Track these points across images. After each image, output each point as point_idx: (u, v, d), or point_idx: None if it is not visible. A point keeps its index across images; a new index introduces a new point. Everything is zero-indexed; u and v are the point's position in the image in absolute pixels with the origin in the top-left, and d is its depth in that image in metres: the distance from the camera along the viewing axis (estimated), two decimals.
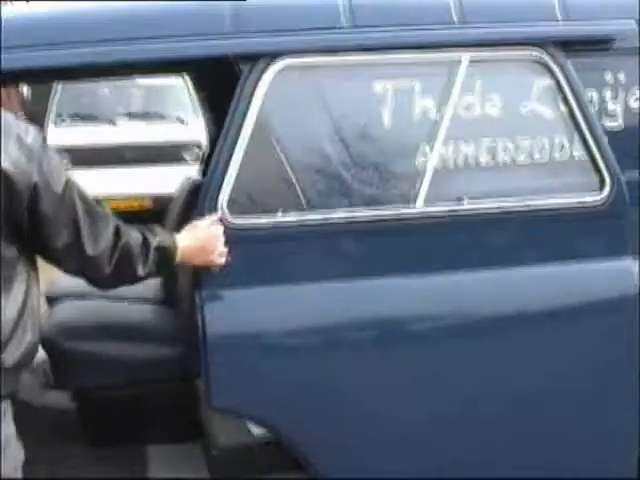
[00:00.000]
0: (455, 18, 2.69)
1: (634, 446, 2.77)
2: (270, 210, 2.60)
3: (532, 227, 2.74)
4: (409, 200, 2.66)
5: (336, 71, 2.65)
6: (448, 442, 2.70)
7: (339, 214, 2.62)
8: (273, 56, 2.57)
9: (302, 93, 2.64)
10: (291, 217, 2.61)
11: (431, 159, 2.66)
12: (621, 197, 2.76)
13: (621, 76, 2.79)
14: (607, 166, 2.74)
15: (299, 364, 2.60)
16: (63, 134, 8.33)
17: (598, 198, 2.76)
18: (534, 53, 2.71)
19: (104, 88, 9.18)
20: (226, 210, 2.54)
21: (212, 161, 2.59)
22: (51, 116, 8.71)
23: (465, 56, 2.67)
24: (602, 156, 2.74)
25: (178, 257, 2.39)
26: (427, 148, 2.67)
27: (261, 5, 2.67)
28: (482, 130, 2.71)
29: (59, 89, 8.71)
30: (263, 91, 2.57)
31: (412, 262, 2.65)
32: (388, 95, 2.65)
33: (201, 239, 2.45)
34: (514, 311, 2.73)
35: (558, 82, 2.72)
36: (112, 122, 9.01)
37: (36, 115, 8.22)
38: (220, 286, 2.52)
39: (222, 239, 2.48)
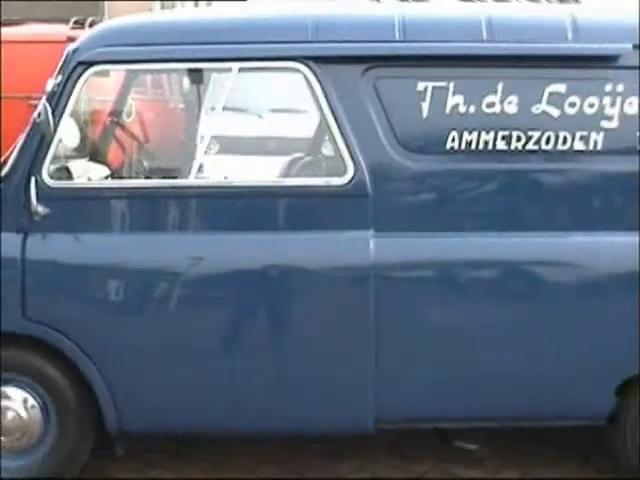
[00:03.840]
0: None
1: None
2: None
3: (287, 202, 3.53)
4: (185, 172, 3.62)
5: None
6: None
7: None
8: None
9: None
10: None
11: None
12: (362, 181, 3.45)
13: None
14: (351, 156, 3.47)
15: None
16: (213, 123, 9.32)
17: (342, 181, 3.48)
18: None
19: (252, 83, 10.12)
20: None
21: None
22: (204, 107, 9.73)
23: None
24: (348, 150, 3.47)
25: None
26: None
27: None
28: None
29: (212, 83, 9.75)
30: None
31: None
32: None
33: None
34: (259, 267, 3.52)
35: (314, 92, 3.49)
36: (258, 115, 9.98)
37: (191, 105, 9.27)
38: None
39: None
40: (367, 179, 3.48)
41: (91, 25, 11.42)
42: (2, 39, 11.47)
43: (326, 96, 3.50)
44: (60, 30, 11.31)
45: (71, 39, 10.68)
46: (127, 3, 22.56)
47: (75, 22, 11.54)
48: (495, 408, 3.59)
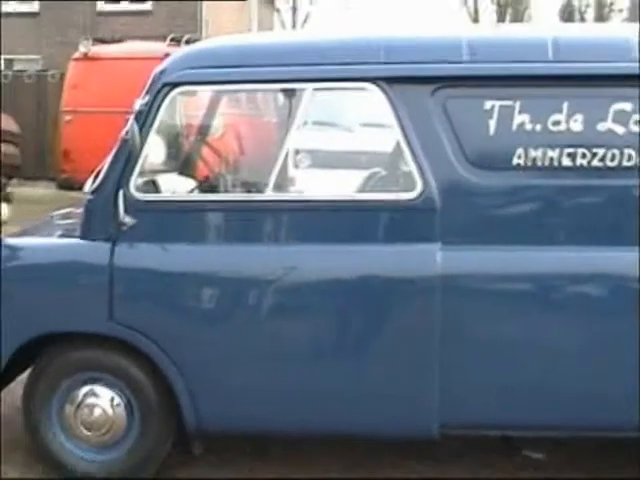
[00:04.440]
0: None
1: None
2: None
3: (364, 215, 3.68)
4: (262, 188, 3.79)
5: None
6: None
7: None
8: None
9: None
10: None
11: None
12: (430, 196, 3.60)
13: None
14: (420, 172, 3.61)
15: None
16: (302, 138, 9.59)
17: (411, 196, 3.64)
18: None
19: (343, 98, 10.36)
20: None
21: None
22: (293, 122, 10.01)
23: None
24: (417, 166, 3.62)
25: None
26: None
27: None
28: None
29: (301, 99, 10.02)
30: None
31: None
32: None
33: None
34: (337, 277, 3.71)
35: (386, 111, 3.65)
36: (349, 130, 10.20)
37: (280, 119, 9.54)
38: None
39: None
40: (435, 194, 3.63)
41: (187, 42, 11.88)
42: (104, 56, 12.05)
43: (397, 115, 3.66)
44: (158, 47, 11.79)
45: (168, 55, 11.22)
46: (225, 21, 23.18)
47: (172, 39, 12.02)
48: (561, 417, 3.67)
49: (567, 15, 29.56)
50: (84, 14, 21.76)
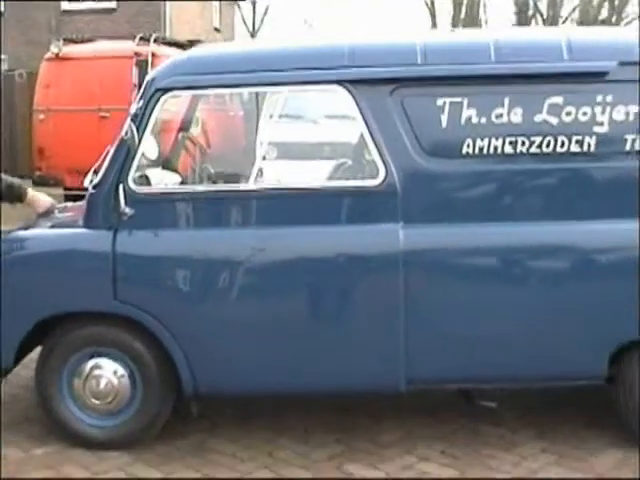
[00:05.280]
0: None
1: None
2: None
3: (332, 200, 4.23)
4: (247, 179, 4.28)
5: None
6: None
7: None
8: None
9: None
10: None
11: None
12: (392, 182, 4.13)
13: None
14: (383, 161, 4.16)
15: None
16: (271, 130, 10.08)
17: (375, 182, 4.18)
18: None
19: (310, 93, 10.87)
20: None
21: None
22: (262, 114, 10.50)
23: None
24: (380, 156, 4.16)
25: (25, 198, 4.71)
26: None
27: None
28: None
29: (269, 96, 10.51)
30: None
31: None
32: None
33: (42, 200, 4.78)
34: (309, 255, 4.24)
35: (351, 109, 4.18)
36: (314, 122, 10.71)
37: (251, 115, 10.04)
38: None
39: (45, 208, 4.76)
40: (396, 180, 4.16)
41: (155, 41, 12.31)
42: (75, 56, 12.44)
43: (361, 112, 4.20)
44: (127, 46, 12.20)
45: (137, 54, 11.65)
46: (188, 17, 23.50)
47: (140, 38, 12.43)
48: (511, 370, 4.24)
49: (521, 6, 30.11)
50: (49, 13, 22.03)
